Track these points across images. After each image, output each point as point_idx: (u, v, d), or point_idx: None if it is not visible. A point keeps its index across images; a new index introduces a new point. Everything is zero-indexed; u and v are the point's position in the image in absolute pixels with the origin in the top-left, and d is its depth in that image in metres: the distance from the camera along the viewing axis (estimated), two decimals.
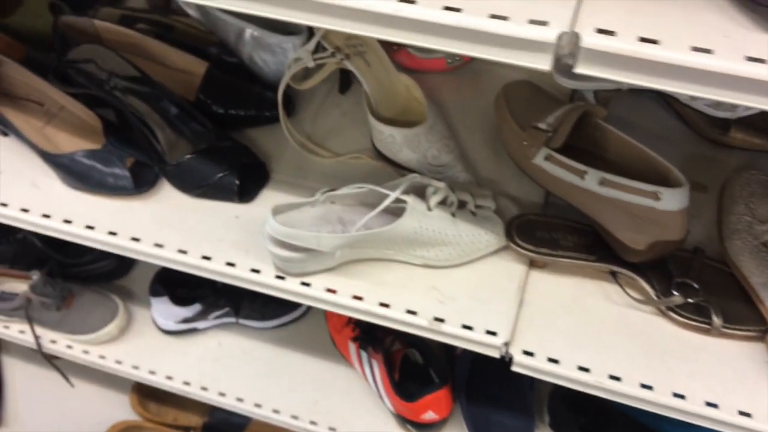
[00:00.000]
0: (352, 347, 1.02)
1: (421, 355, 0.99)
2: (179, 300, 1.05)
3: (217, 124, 0.86)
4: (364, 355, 1.00)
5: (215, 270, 0.76)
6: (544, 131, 0.75)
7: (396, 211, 0.72)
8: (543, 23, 0.42)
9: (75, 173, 0.81)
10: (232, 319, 1.07)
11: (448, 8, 0.43)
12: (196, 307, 1.05)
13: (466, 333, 0.69)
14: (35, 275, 1.07)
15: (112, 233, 0.79)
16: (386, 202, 0.70)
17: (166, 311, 1.06)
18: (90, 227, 0.80)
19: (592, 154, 0.79)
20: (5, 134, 0.89)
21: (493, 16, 0.42)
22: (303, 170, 0.85)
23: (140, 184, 0.81)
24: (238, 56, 0.90)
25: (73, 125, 0.86)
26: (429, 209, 0.71)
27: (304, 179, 0.84)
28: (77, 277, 1.12)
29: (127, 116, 0.81)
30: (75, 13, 0.97)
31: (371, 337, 0.99)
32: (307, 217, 0.74)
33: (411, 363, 1.00)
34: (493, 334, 0.69)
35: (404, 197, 0.71)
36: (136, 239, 0.79)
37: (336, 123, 0.91)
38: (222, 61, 0.90)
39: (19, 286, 1.11)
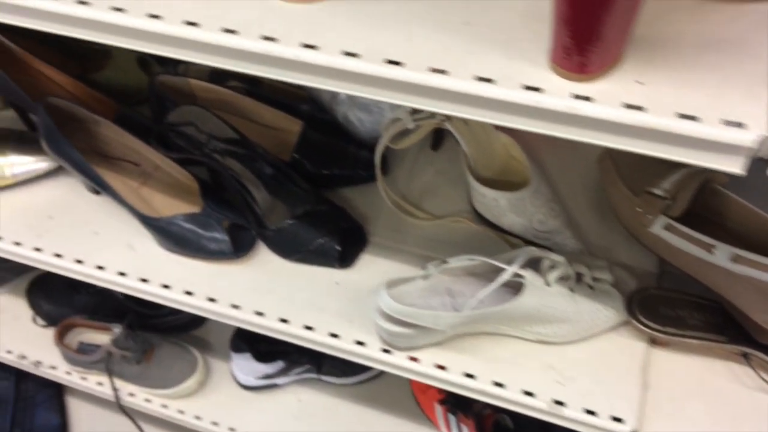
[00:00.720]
0: (439, 410, 0.98)
1: (513, 421, 0.95)
2: (261, 356, 1.03)
3: (311, 183, 0.84)
4: (452, 418, 0.96)
5: (318, 341, 0.74)
6: (660, 198, 0.72)
7: (509, 284, 0.69)
8: (739, 125, 0.39)
9: (173, 237, 0.80)
10: (314, 375, 1.05)
11: (630, 106, 0.40)
12: (279, 364, 1.03)
13: (589, 419, 0.65)
14: (117, 328, 1.06)
15: (212, 299, 0.77)
16: (503, 278, 0.67)
17: (247, 367, 1.04)
18: (189, 293, 0.78)
19: (710, 221, 0.75)
20: (97, 192, 0.88)
21: (682, 116, 0.39)
22: (401, 233, 0.83)
23: (239, 248, 0.80)
24: (331, 114, 0.89)
25: (169, 185, 0.85)
26: (547, 285, 0.68)
27: (402, 243, 0.82)
28: (155, 328, 1.11)
29: (226, 179, 0.80)
30: (162, 68, 0.97)
31: (461, 401, 0.95)
32: (414, 288, 0.72)
33: (502, 428, 0.96)
34: (619, 420, 0.65)
35: (521, 271, 0.67)
36: (236, 306, 0.77)
37: (431, 182, 0.88)
38: (314, 118, 0.89)
39: (99, 338, 1.11)
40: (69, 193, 0.89)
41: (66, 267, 0.82)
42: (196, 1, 0.51)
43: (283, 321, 0.75)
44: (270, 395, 1.07)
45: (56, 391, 1.41)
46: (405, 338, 0.70)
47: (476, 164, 0.81)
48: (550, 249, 0.79)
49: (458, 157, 0.90)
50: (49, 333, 1.15)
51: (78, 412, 1.41)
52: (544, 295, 0.67)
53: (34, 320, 1.17)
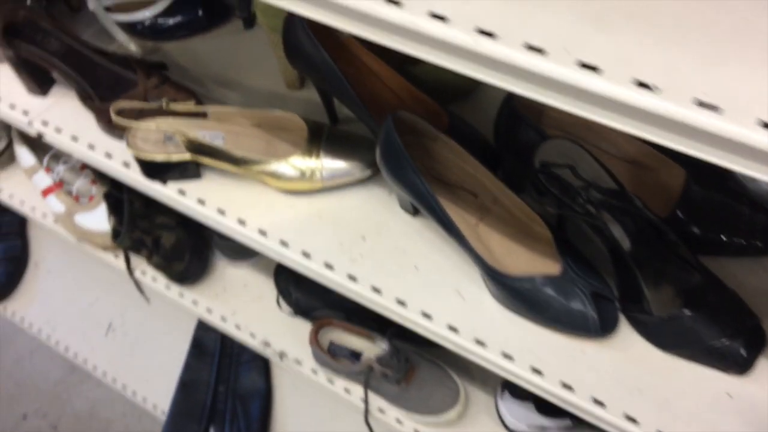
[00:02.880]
0: None
1: None
2: (544, 408, 0.90)
3: (690, 247, 0.66)
4: None
5: None
6: None
7: None
8: None
9: (526, 300, 0.66)
10: None
11: None
12: (564, 422, 0.89)
13: None
14: (380, 341, 0.97)
15: (567, 387, 0.64)
16: None
17: (522, 414, 0.92)
18: (536, 371, 0.65)
19: None
20: (414, 212, 0.76)
21: None
22: None
23: (604, 324, 0.65)
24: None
25: (510, 226, 0.70)
26: None
27: None
28: (414, 339, 1.00)
29: (602, 240, 0.64)
30: None
31: None
32: None
33: None
34: None
35: None
36: (599, 403, 0.62)
37: None
38: (700, 166, 0.70)
39: (352, 340, 1.02)
40: (381, 207, 0.77)
41: (385, 305, 0.71)
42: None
43: None
44: None
45: None
46: None
47: None
48: None
49: None
50: (295, 322, 1.08)
51: (281, 379, 1.37)
52: None
53: (278, 304, 1.10)
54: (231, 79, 0.90)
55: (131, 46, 0.91)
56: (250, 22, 0.92)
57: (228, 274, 1.14)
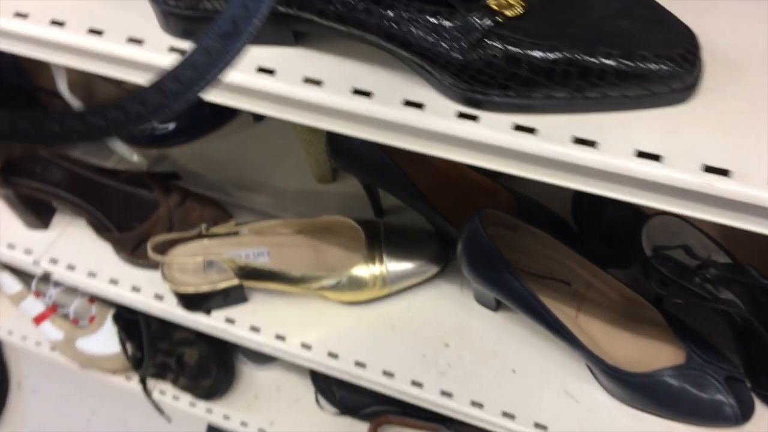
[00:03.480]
0: None
1: None
2: None
3: None
4: None
5: None
6: None
7: None
8: None
9: (652, 396, 0.60)
10: None
11: None
12: None
13: None
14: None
15: None
16: None
17: None
18: None
19: None
20: (496, 306, 0.69)
21: None
22: None
23: (744, 412, 0.59)
24: None
25: (613, 312, 0.64)
26: None
27: None
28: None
29: (725, 322, 0.59)
30: None
31: None
32: None
33: None
34: None
35: None
36: None
37: None
38: None
39: None
40: (455, 305, 0.70)
41: (490, 420, 0.64)
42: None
43: None
44: None
45: None
46: None
47: None
48: None
49: None
50: (342, 422, 0.99)
51: None
52: None
53: (318, 403, 1.01)
54: (253, 180, 0.82)
55: (134, 158, 0.82)
56: (260, 115, 0.84)
57: (258, 379, 1.04)
